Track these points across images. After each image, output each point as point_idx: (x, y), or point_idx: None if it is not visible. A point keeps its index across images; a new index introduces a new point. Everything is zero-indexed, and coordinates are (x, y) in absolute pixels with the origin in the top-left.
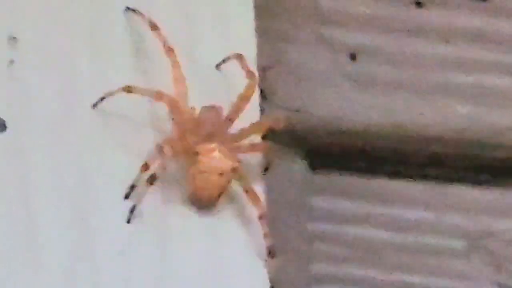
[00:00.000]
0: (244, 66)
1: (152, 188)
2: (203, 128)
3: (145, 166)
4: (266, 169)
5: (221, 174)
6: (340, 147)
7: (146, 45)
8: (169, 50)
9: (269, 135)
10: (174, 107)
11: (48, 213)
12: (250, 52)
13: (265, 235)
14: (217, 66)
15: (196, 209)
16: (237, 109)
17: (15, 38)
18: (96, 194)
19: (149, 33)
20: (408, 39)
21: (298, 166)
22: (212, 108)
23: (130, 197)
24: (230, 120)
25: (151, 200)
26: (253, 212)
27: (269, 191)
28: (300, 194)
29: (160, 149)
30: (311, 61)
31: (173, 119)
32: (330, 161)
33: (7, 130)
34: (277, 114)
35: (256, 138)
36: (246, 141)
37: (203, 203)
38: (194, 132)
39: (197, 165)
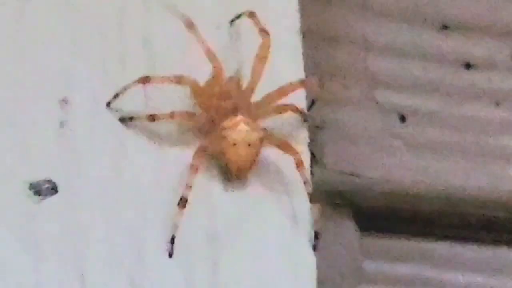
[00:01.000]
0: (258, 24)
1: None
2: (226, 102)
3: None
4: (316, 237)
5: (249, 145)
6: (390, 209)
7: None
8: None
9: (319, 196)
10: (196, 88)
11: (101, 279)
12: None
13: (305, 183)
14: (231, 22)
15: (228, 182)
16: (256, 73)
17: (66, 100)
18: (150, 259)
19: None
20: (458, 101)
21: (348, 229)
22: (231, 80)
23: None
24: (251, 88)
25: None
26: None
27: (319, 253)
28: (351, 256)
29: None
30: (361, 122)
31: (195, 103)
32: (381, 223)
33: (59, 192)
34: (328, 175)
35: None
36: (271, 105)
37: (236, 175)
38: (218, 107)
39: (226, 140)
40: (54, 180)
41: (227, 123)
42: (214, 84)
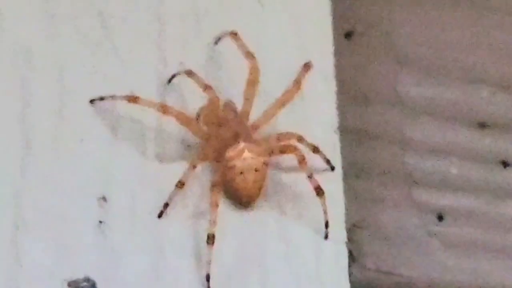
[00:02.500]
0: (241, 46)
1: None
2: (227, 130)
3: (181, 184)
4: None
5: (256, 170)
6: None
7: None
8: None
9: None
10: (182, 118)
11: None
12: (339, 213)
13: (310, 177)
14: (215, 43)
15: (238, 209)
16: (248, 97)
17: (104, 198)
18: None
19: None
20: (495, 200)
21: None
22: (227, 106)
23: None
24: (246, 112)
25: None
26: None
27: None
28: None
29: (193, 166)
30: (399, 221)
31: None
32: None
33: None
34: (366, 274)
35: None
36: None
37: (246, 202)
38: (218, 136)
39: (232, 169)
40: (92, 278)
41: (231, 153)
42: (211, 113)
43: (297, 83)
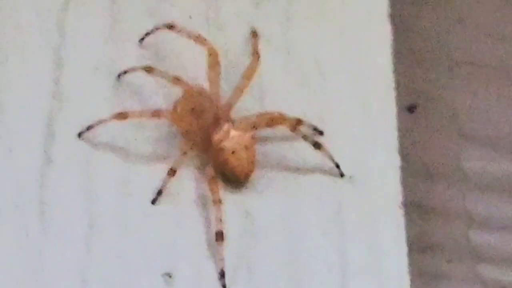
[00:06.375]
0: (186, 34)
1: None
2: (207, 116)
3: (172, 172)
4: None
5: (246, 147)
6: None
7: None
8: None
9: None
10: (174, 117)
11: None
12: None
13: (305, 138)
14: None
15: (232, 188)
16: (213, 79)
17: (169, 274)
18: None
19: None
20: None
21: None
22: (201, 93)
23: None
24: (216, 94)
25: None
26: None
27: None
28: None
29: (183, 153)
30: None
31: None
32: None
33: None
34: None
35: None
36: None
37: (244, 179)
38: (201, 125)
39: (224, 150)
40: None
41: (218, 136)
42: (188, 103)
43: (255, 54)
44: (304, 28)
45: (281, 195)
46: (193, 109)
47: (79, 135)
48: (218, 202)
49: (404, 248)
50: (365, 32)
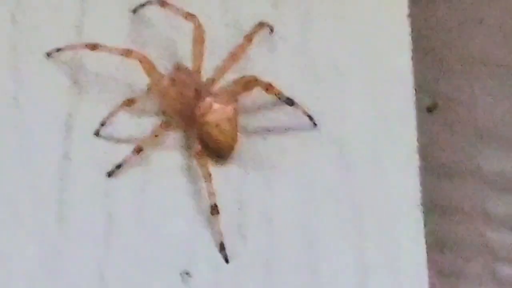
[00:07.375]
0: (175, 10)
1: None
2: (186, 91)
3: (138, 149)
4: None
5: (229, 119)
6: None
7: None
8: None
9: None
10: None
11: None
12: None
13: (278, 95)
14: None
15: (216, 161)
16: (197, 56)
17: (188, 273)
18: None
19: None
20: None
21: None
22: (177, 68)
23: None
24: (197, 69)
25: None
26: None
27: None
28: None
29: (155, 136)
30: None
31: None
32: None
33: None
34: None
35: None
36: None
37: (228, 152)
38: (182, 100)
39: (208, 124)
40: None
41: (201, 110)
42: (171, 80)
43: (249, 38)
44: (323, 29)
45: (299, 197)
46: (174, 81)
47: (96, 133)
48: (208, 176)
49: (422, 247)
50: (384, 32)
